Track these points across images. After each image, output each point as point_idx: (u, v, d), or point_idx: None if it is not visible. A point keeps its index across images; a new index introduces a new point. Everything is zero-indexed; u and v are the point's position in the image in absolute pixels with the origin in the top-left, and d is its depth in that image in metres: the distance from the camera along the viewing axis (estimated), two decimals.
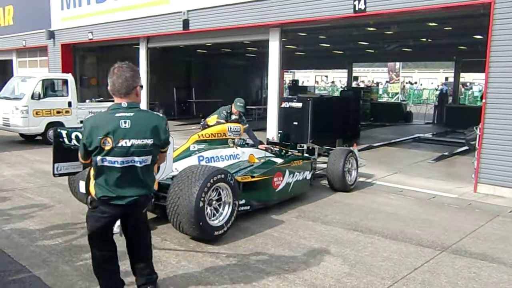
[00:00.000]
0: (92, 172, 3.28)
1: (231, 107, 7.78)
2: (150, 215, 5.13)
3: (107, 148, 3.09)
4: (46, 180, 8.06)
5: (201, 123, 8.15)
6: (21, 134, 12.87)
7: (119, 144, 3.09)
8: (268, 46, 11.86)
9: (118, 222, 3.73)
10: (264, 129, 12.61)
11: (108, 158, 3.11)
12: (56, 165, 4.96)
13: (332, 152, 7.97)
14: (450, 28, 13.37)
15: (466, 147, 11.71)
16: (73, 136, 4.74)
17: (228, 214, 5.15)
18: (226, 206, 5.19)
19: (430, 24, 12.22)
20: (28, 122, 12.05)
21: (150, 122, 3.22)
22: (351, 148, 8.50)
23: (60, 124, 12.47)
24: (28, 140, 12.87)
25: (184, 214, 4.71)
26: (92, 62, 20.16)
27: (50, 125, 12.30)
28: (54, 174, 4.98)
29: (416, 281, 4.29)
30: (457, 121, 17.27)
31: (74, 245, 4.95)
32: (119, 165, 3.13)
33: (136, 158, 3.17)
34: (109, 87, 3.22)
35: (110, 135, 3.07)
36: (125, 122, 3.11)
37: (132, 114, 3.15)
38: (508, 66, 7.50)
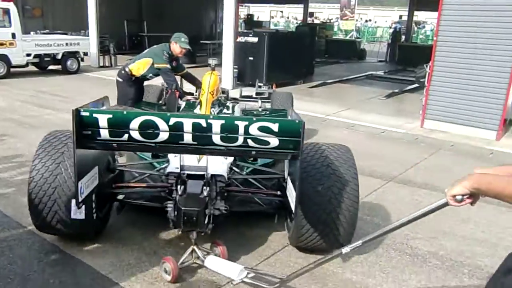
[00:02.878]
0: None
1: (170, 47, 5.84)
2: None
3: None
4: None
5: (123, 72, 5.96)
6: None
7: None
8: None
9: (237, 268, 3.02)
10: (219, 64, 12.47)
11: None
12: (80, 183, 2.75)
13: (274, 96, 7.01)
14: None
15: (416, 85, 12.16)
16: (135, 123, 2.51)
17: None
18: None
19: None
20: None
21: None
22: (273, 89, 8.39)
23: (4, 58, 11.82)
24: None
25: None
26: None
27: None
28: (78, 204, 2.81)
29: (364, 207, 4.59)
30: (409, 59, 17.70)
31: None
32: None
33: None
34: None
35: None
36: None
37: None
38: (460, 4, 7.70)
